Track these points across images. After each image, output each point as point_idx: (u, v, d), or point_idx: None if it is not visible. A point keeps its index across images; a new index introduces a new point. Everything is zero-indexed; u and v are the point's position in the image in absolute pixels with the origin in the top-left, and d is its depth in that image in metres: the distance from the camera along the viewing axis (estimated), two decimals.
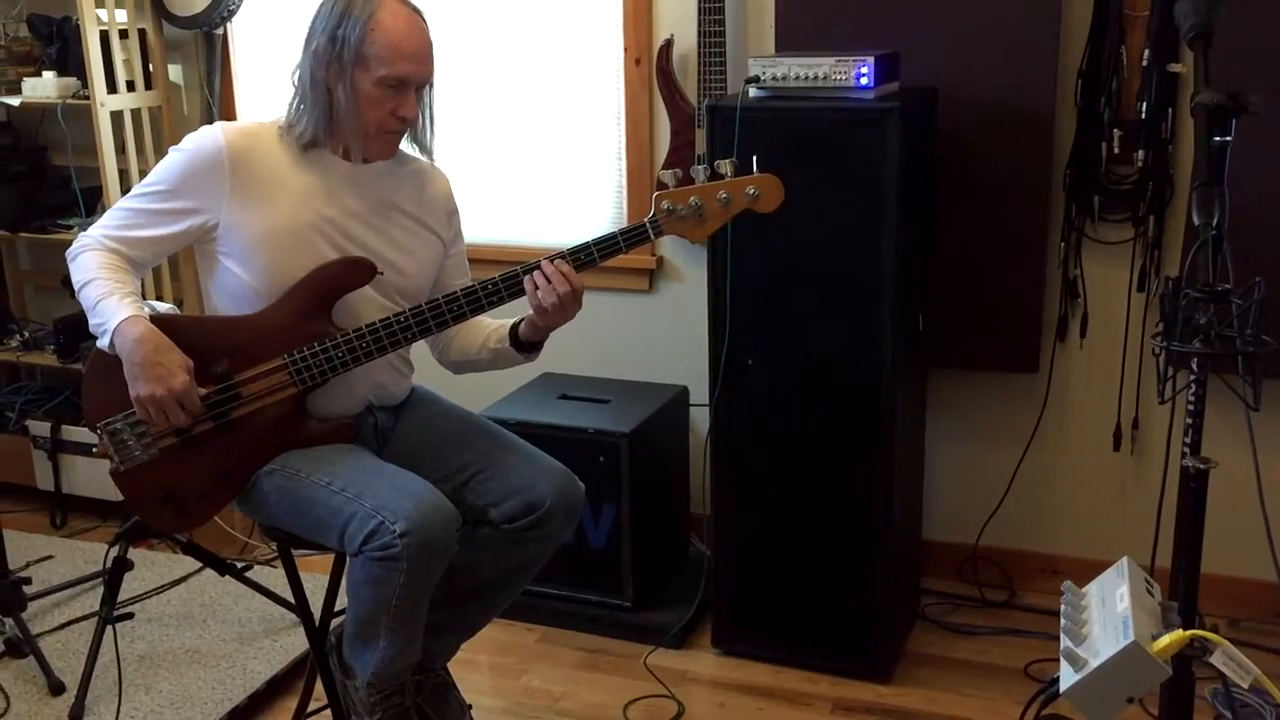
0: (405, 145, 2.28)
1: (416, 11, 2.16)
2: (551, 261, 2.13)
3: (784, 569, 2.89)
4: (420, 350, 2.37)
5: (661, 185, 2.16)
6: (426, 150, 2.30)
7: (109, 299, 2.10)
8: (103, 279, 2.13)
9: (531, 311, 2.18)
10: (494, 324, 2.35)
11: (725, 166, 2.14)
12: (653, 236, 2.17)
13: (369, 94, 2.11)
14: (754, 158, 2.16)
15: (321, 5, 2.15)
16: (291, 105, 2.20)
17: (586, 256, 2.15)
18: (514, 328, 2.29)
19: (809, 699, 2.84)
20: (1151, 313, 3.02)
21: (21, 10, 3.81)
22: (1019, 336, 3.11)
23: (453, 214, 2.40)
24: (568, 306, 2.14)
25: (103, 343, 2.11)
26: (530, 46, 3.47)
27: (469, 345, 2.38)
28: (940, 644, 3.06)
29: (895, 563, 2.86)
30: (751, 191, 2.14)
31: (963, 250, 3.06)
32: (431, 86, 2.22)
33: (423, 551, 2.00)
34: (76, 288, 2.16)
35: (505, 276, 2.15)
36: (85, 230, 2.23)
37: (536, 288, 2.12)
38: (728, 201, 2.15)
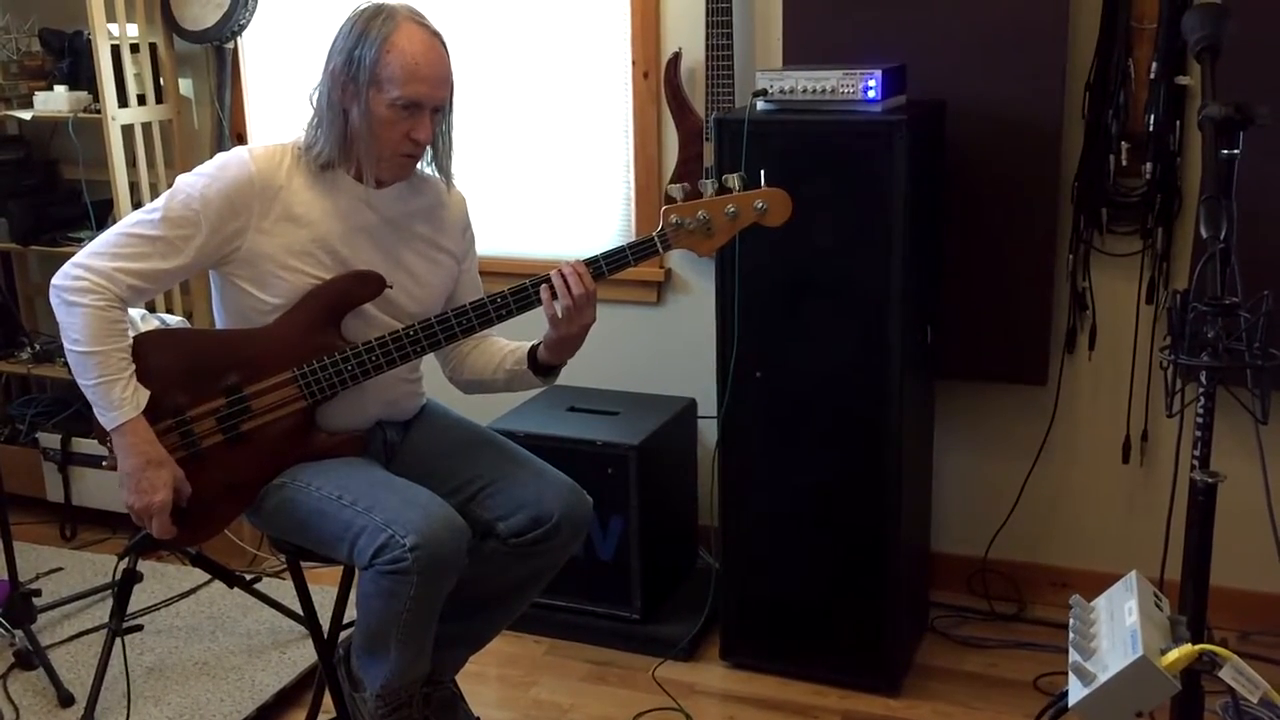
0: (425, 167, 2.28)
1: (435, 35, 2.15)
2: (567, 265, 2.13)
3: (792, 581, 2.89)
4: (428, 364, 2.38)
5: (669, 199, 2.17)
6: (446, 173, 2.29)
7: (112, 387, 2.09)
8: (102, 354, 2.08)
9: (548, 324, 2.18)
10: (510, 345, 2.35)
11: (733, 180, 2.15)
12: (661, 250, 2.17)
13: (383, 115, 2.11)
14: (761, 171, 2.17)
15: (341, 26, 2.15)
16: (310, 126, 2.20)
17: (595, 269, 2.15)
18: (532, 350, 2.29)
19: (817, 712, 2.83)
20: (1160, 325, 3.02)
21: (33, 25, 3.83)
22: (1027, 348, 3.11)
23: (466, 229, 2.40)
24: (583, 310, 2.14)
25: (102, 422, 2.12)
26: (539, 60, 3.48)
27: (484, 365, 2.38)
28: (949, 657, 3.05)
29: (904, 575, 2.85)
30: (759, 205, 2.15)
31: (971, 262, 3.06)
32: (450, 110, 2.21)
33: (433, 565, 2.01)
34: (73, 347, 2.08)
35: (514, 290, 2.16)
36: (86, 263, 2.08)
37: (554, 294, 2.13)
38: (735, 215, 2.16)
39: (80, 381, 2.12)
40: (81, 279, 2.08)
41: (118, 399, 2.09)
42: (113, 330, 2.10)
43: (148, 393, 2.13)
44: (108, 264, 2.09)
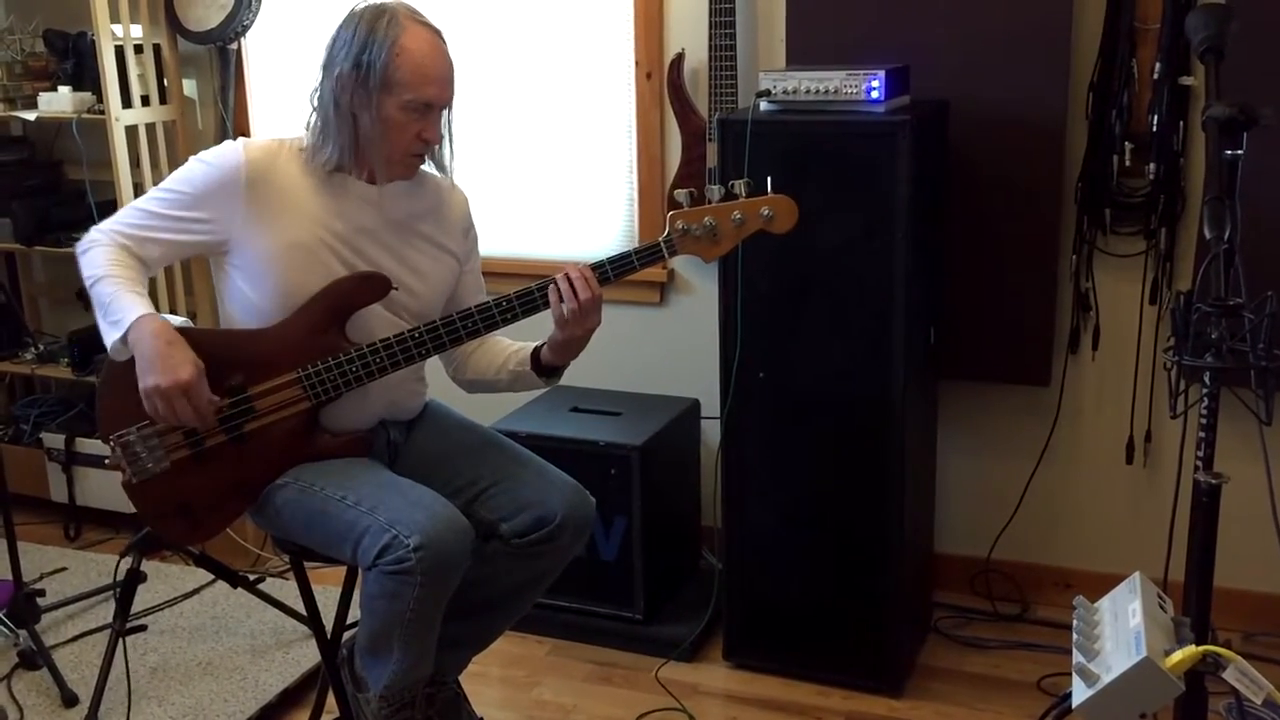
0: (425, 165, 2.29)
1: (437, 33, 2.16)
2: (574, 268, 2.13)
3: (795, 582, 2.89)
4: (433, 365, 2.38)
5: (676, 204, 2.17)
6: (446, 170, 2.31)
7: (123, 297, 2.11)
8: (115, 276, 2.13)
9: (554, 325, 2.18)
10: (514, 346, 2.35)
11: (740, 186, 2.15)
12: (667, 256, 2.17)
13: (395, 118, 2.12)
14: (768, 178, 2.16)
15: (341, 30, 2.15)
16: (313, 129, 2.20)
17: (601, 274, 2.16)
18: (535, 351, 2.29)
19: (821, 712, 2.83)
20: (1164, 326, 3.01)
21: (37, 25, 3.83)
22: (1031, 349, 3.11)
23: (469, 230, 2.41)
24: (589, 314, 2.14)
25: (114, 336, 2.09)
26: (542, 60, 3.48)
27: (487, 365, 2.38)
28: (952, 658, 3.05)
29: (907, 576, 2.85)
30: (766, 212, 2.15)
31: (974, 263, 3.06)
32: (451, 108, 2.23)
33: (437, 565, 2.01)
34: (87, 282, 2.16)
35: (520, 294, 2.16)
36: (98, 226, 2.22)
37: (560, 297, 2.13)
38: (742, 222, 2.16)
39: (97, 314, 2.14)
40: (92, 234, 2.21)
41: (130, 304, 2.10)
42: (122, 261, 2.16)
43: None
44: (114, 225, 2.21)
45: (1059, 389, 3.14)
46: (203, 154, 2.21)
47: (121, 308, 2.10)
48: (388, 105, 2.11)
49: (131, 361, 2.11)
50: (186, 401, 2.07)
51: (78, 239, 3.72)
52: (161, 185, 2.22)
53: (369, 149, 2.16)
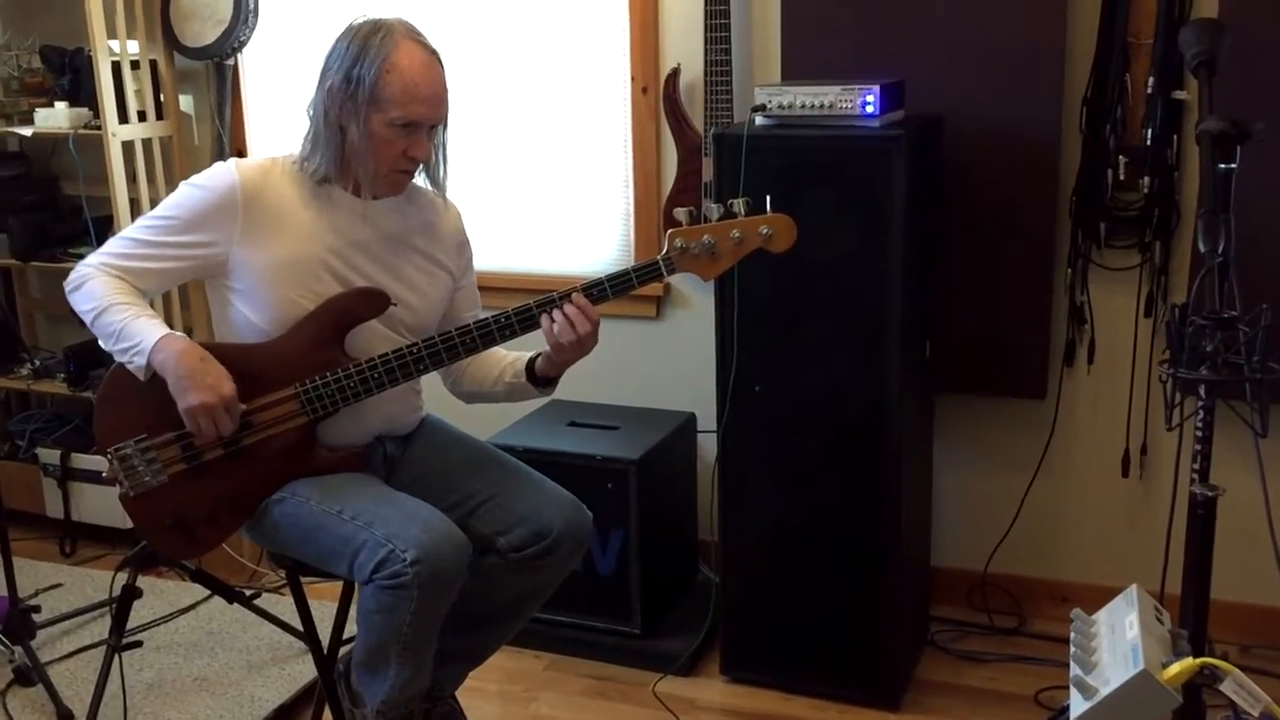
0: (419, 180, 2.29)
1: (433, 53, 2.16)
2: (570, 299, 2.14)
3: (792, 596, 2.89)
4: (429, 378, 2.38)
5: (674, 222, 2.17)
6: (440, 186, 2.31)
7: (136, 321, 2.11)
8: (120, 303, 2.13)
9: (548, 346, 2.19)
10: (510, 357, 2.35)
11: (739, 205, 2.16)
12: (666, 274, 2.18)
13: (381, 134, 2.12)
14: (767, 197, 2.17)
15: (338, 41, 2.16)
16: (305, 140, 2.21)
17: (599, 292, 2.16)
18: (530, 362, 2.30)
19: None
20: (1159, 339, 3.02)
21: (34, 42, 3.84)
22: (1026, 362, 3.11)
23: (463, 245, 2.41)
24: (585, 343, 2.15)
25: (138, 363, 2.10)
26: (538, 75, 3.49)
27: (483, 377, 2.38)
28: (949, 671, 3.05)
29: (904, 589, 2.85)
30: (765, 231, 2.16)
31: (969, 277, 3.07)
32: (446, 126, 2.23)
33: (433, 580, 2.01)
34: (89, 315, 2.15)
35: (518, 310, 2.16)
36: (83, 260, 2.21)
37: (554, 324, 2.13)
38: (741, 240, 2.16)
39: (106, 344, 2.14)
40: (80, 270, 2.19)
41: (144, 326, 2.11)
42: (120, 289, 2.15)
43: None
44: (103, 258, 2.19)
45: (1055, 402, 3.15)
46: (194, 178, 2.20)
47: (136, 333, 2.10)
48: (374, 121, 2.12)
49: (127, 375, 2.13)
50: (227, 415, 2.09)
51: (74, 254, 3.78)
52: (152, 214, 2.21)
53: (355, 162, 2.17)
